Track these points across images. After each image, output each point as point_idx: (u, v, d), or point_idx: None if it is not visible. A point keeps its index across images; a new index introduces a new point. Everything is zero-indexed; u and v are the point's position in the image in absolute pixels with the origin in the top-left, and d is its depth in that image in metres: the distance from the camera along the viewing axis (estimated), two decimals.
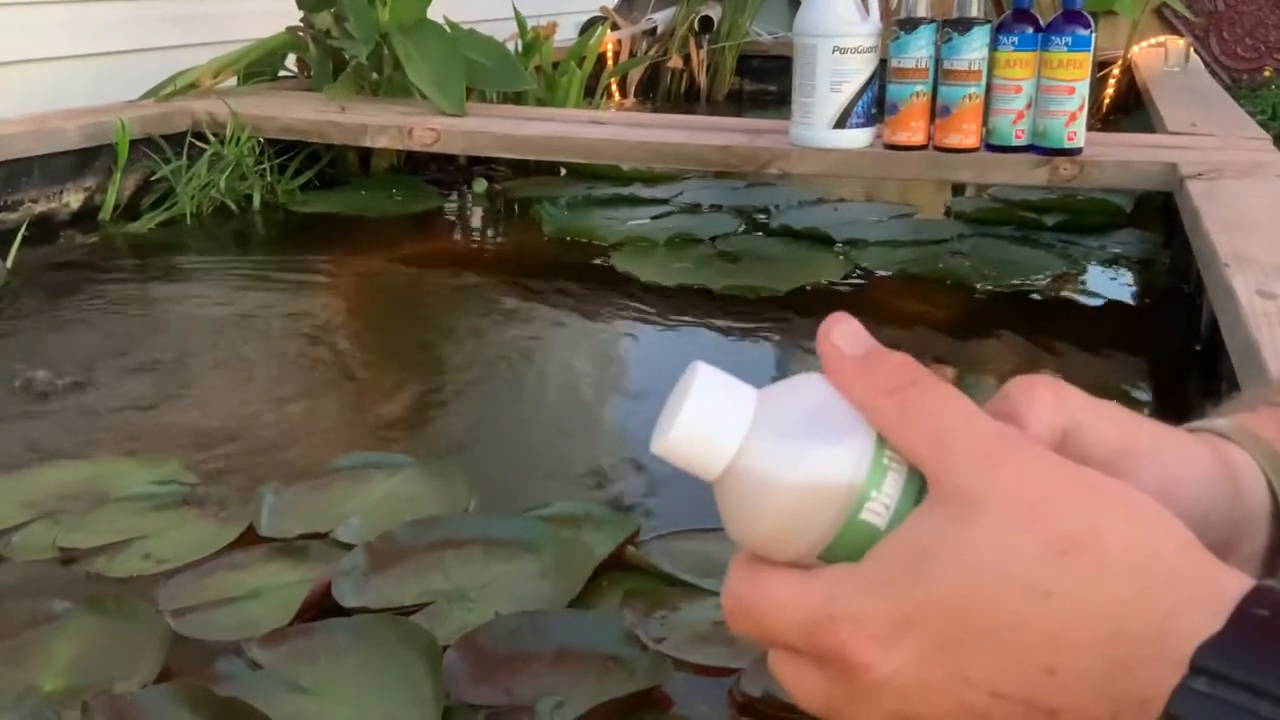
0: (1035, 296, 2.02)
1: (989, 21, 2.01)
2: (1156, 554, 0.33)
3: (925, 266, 2.14)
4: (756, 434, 0.35)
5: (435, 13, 2.81)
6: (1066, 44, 1.96)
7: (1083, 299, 2.04)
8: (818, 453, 0.35)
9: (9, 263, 2.10)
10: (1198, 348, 1.68)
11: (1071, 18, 1.96)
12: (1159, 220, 2.36)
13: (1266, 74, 5.83)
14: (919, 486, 0.35)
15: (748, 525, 0.36)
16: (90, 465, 1.32)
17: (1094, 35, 1.97)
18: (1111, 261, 2.21)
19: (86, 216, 2.43)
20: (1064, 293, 2.05)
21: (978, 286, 2.04)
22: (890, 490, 0.35)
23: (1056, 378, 0.40)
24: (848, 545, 0.35)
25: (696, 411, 0.35)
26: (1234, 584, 0.32)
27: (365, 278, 2.22)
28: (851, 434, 0.35)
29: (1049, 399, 0.39)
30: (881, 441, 0.35)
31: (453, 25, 2.79)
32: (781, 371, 1.72)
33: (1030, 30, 1.98)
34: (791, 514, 0.35)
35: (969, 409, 0.35)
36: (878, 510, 0.35)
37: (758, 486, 0.35)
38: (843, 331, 0.37)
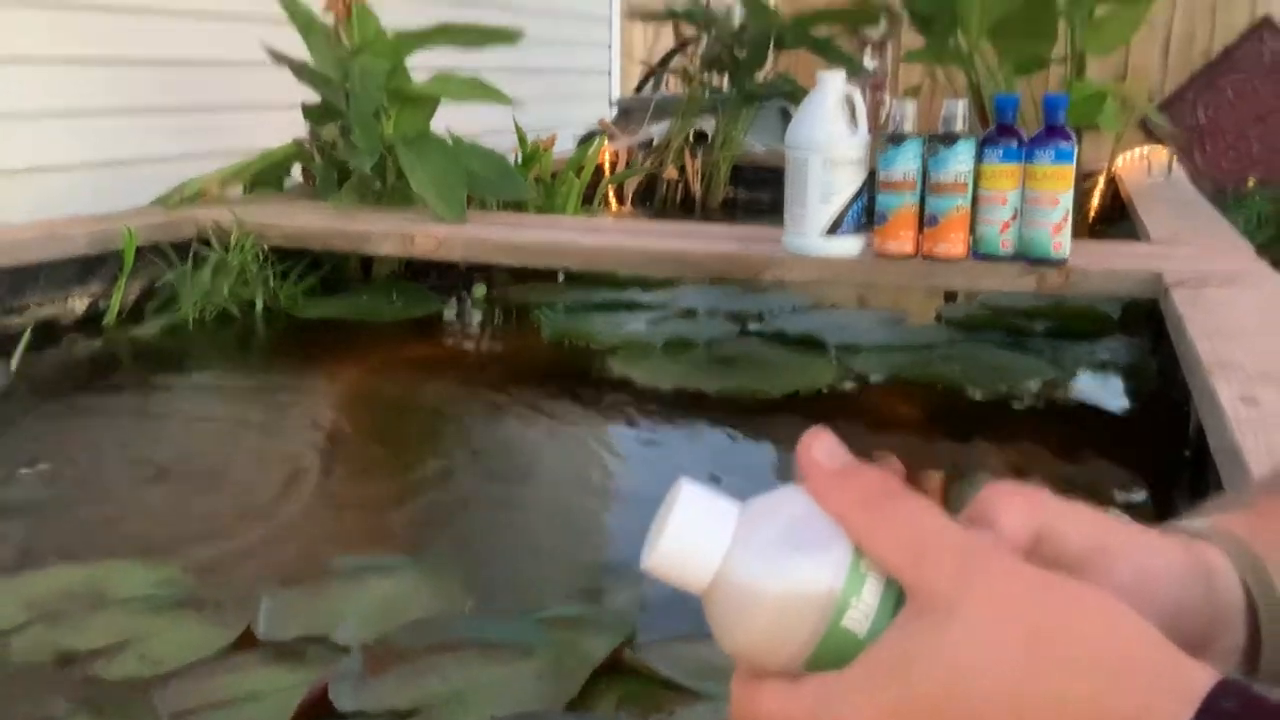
0: (1026, 402, 2.04)
1: (974, 136, 2.08)
2: (1127, 650, 0.35)
3: (917, 371, 2.17)
4: (739, 548, 0.38)
5: (438, 125, 2.90)
6: (1050, 157, 2.02)
7: (1073, 405, 2.06)
8: (798, 563, 0.37)
9: (13, 366, 2.13)
10: (1187, 453, 1.71)
11: (1054, 132, 2.02)
12: (1146, 327, 2.40)
13: (1251, 184, 5.96)
14: (897, 595, 0.37)
15: (735, 635, 0.38)
16: (90, 567, 1.32)
17: (1076, 148, 2.04)
18: (1100, 367, 2.24)
19: (91, 321, 2.47)
20: (1054, 398, 2.08)
21: (969, 391, 2.06)
22: (869, 598, 0.37)
23: (1026, 484, 0.42)
24: (831, 652, 0.37)
25: (679, 529, 0.38)
26: (1202, 677, 0.33)
27: (365, 381, 2.24)
28: (830, 544, 0.37)
29: (1020, 505, 0.41)
30: (859, 551, 0.37)
31: (455, 137, 2.87)
32: (775, 473, 1.73)
33: (1014, 144, 2.05)
34: (775, 623, 0.37)
35: (940, 519, 0.38)
36: (857, 618, 0.37)
37: (742, 598, 0.37)
38: (822, 446, 0.40)
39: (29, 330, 2.26)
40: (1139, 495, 1.65)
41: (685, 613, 1.20)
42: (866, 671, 0.36)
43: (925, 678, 0.35)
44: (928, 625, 0.36)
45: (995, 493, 0.41)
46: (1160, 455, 1.80)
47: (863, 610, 0.37)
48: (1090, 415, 2.02)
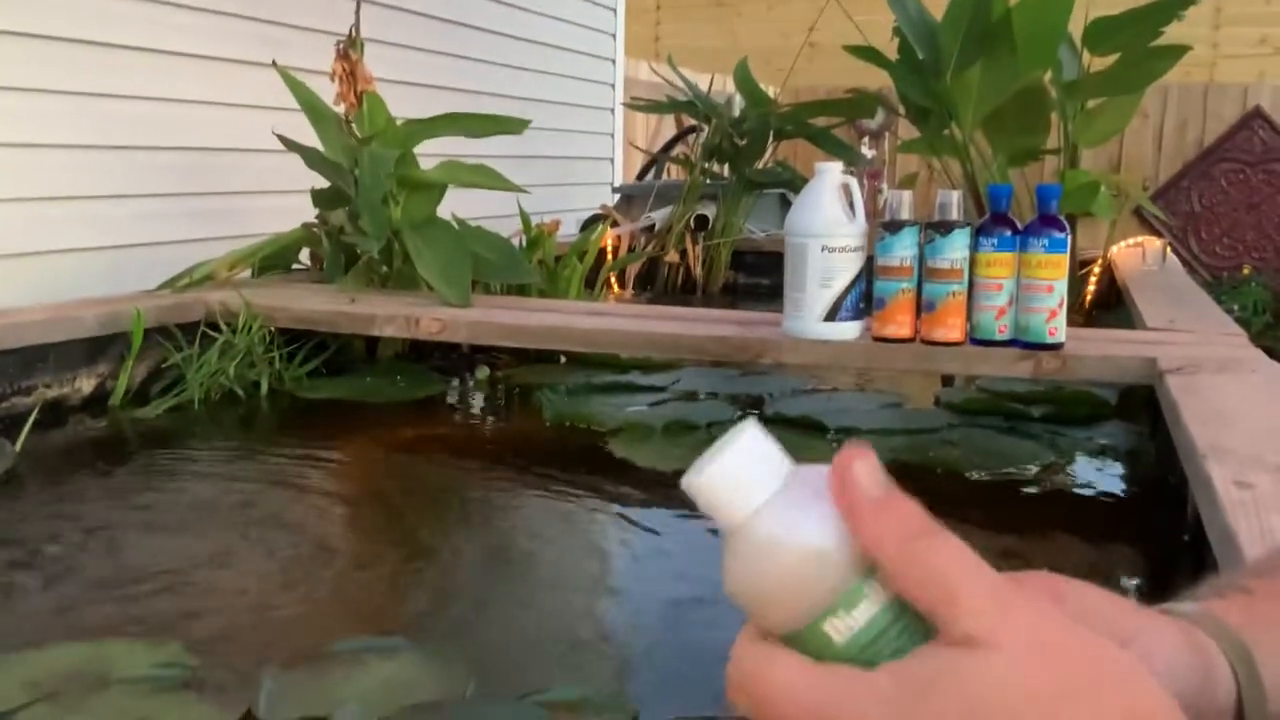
0: (1025, 486, 2.06)
1: (969, 224, 2.12)
2: (1147, 710, 0.36)
3: (916, 455, 2.19)
4: (779, 500, 0.39)
5: (444, 211, 2.96)
6: (1043, 246, 2.06)
7: (1072, 489, 2.08)
8: (828, 538, 0.38)
9: (18, 446, 2.14)
10: (1185, 537, 1.71)
11: (1047, 221, 2.07)
12: (1143, 412, 2.42)
13: (1246, 271, 6.03)
14: (897, 626, 0.38)
15: (746, 581, 0.39)
16: (93, 647, 1.32)
17: (1069, 237, 2.08)
18: (1098, 452, 2.26)
19: (97, 401, 2.49)
20: (1053, 483, 2.09)
21: (968, 475, 2.08)
22: (859, 615, 0.38)
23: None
24: (810, 643, 0.38)
25: (733, 459, 0.39)
26: None
27: (367, 462, 2.26)
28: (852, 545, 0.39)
29: (1038, 581, 0.43)
30: (870, 574, 0.38)
31: (461, 222, 2.92)
32: None
33: (1008, 233, 2.09)
34: (787, 582, 0.38)
35: (976, 559, 0.39)
36: (839, 627, 0.38)
37: (764, 545, 0.38)
38: (863, 468, 0.39)
39: (35, 411, 2.28)
40: (1139, 578, 1.66)
41: (685, 695, 1.20)
42: (893, 682, 0.37)
43: (945, 705, 0.36)
44: (960, 658, 0.36)
45: (1013, 577, 0.43)
46: (1159, 538, 1.81)
47: (847, 624, 0.38)
48: (1089, 499, 2.03)
